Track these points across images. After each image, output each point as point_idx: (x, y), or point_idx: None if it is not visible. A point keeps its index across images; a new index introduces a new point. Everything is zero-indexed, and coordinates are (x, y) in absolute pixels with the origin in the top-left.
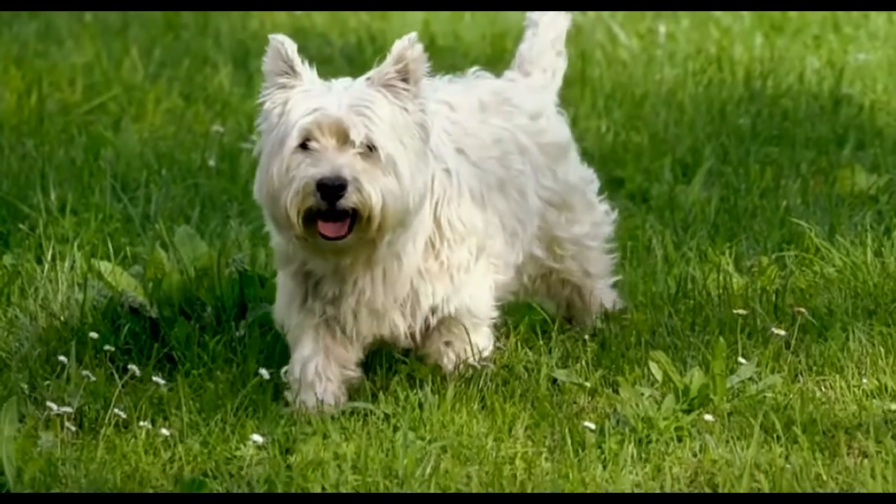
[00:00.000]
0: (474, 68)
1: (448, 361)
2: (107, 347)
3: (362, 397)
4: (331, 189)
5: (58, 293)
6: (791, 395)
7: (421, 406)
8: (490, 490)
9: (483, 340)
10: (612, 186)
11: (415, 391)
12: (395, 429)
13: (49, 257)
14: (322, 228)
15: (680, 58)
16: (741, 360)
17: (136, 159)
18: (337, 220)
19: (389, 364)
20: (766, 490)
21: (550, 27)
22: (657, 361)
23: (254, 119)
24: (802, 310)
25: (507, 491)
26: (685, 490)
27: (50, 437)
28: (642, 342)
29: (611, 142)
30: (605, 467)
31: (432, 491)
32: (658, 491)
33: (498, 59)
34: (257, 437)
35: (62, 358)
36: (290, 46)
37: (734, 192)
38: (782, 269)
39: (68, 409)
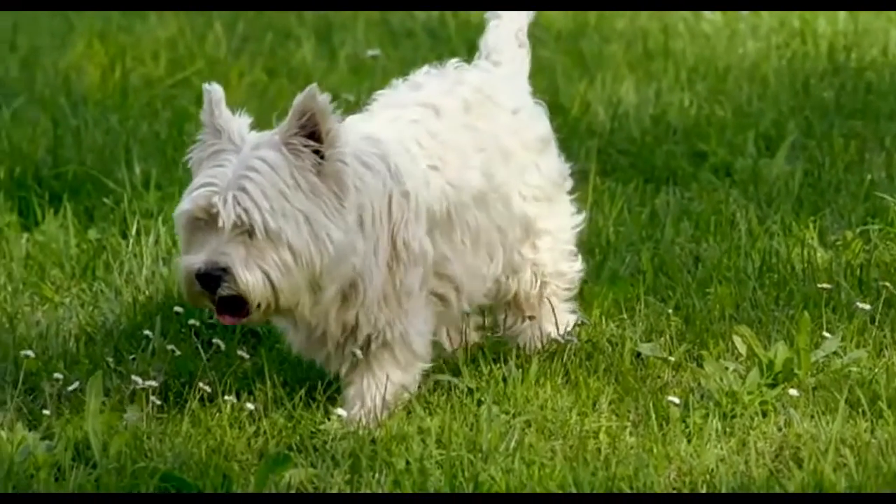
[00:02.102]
0: (454, 60)
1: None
2: (192, 322)
3: (447, 372)
4: (208, 280)
5: (142, 268)
6: (876, 370)
7: (505, 380)
8: (574, 464)
9: (406, 379)
10: (695, 160)
11: (499, 365)
12: (479, 403)
13: (134, 232)
14: (217, 316)
15: (763, 31)
16: (826, 334)
17: None
18: (227, 307)
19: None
20: (852, 465)
21: (513, 19)
22: (742, 336)
23: (338, 94)
24: (888, 284)
25: (591, 465)
26: (770, 465)
27: (135, 412)
28: (726, 316)
29: (694, 115)
30: (689, 441)
31: (516, 465)
32: (743, 466)
33: None
34: (342, 412)
35: (147, 332)
36: (216, 97)
37: (818, 166)
38: (867, 243)
39: (153, 384)
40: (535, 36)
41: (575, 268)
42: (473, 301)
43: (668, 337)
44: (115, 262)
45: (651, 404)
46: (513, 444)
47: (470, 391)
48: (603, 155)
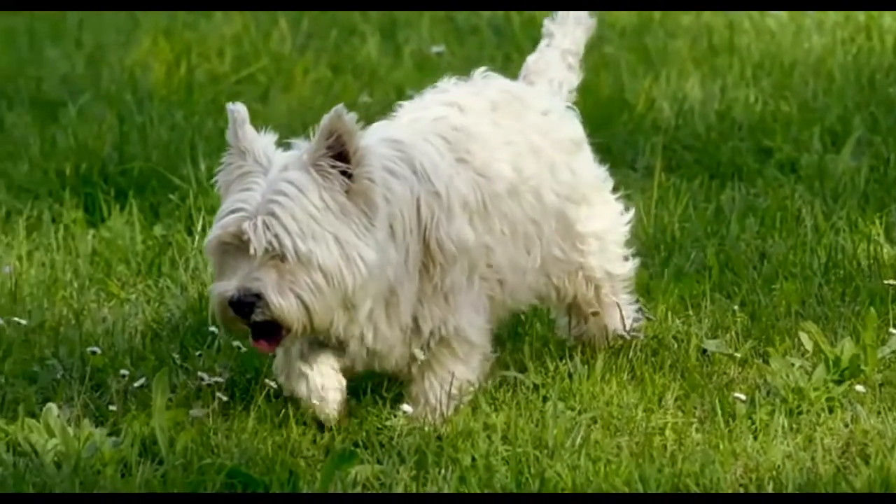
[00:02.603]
0: (482, 69)
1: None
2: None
3: (512, 367)
4: (241, 307)
5: (208, 264)
6: None
7: (570, 376)
8: (640, 461)
9: (468, 373)
10: (760, 156)
11: (564, 362)
12: (545, 399)
13: (199, 228)
14: (253, 342)
15: (828, 26)
16: (892, 330)
17: (284, 130)
18: (262, 332)
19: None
20: None
21: (566, 38)
22: (808, 332)
23: (403, 90)
24: None
25: (657, 462)
26: (836, 461)
27: (201, 408)
28: (792, 312)
29: (759, 111)
30: (755, 438)
31: (582, 462)
32: (809, 462)
33: None
34: (407, 408)
35: (213, 328)
36: (240, 117)
37: (884, 162)
38: None
39: (219, 380)
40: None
41: (626, 268)
42: (517, 297)
43: (733, 333)
44: (181, 258)
45: (717, 401)
46: (578, 440)
47: (536, 387)
48: (668, 151)
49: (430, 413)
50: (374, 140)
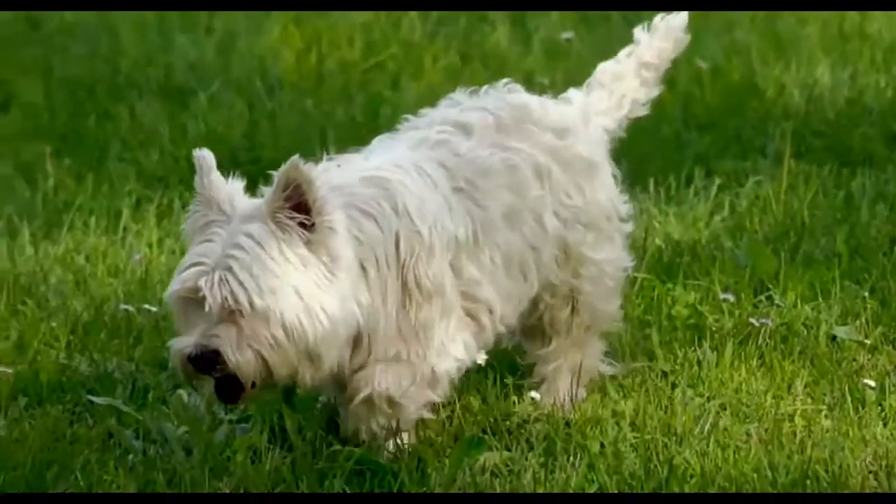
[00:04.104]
0: (505, 80)
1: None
2: None
3: (641, 356)
4: (200, 364)
5: None
6: None
7: (699, 363)
8: (769, 448)
9: (418, 409)
10: (891, 143)
11: (693, 349)
12: (674, 386)
13: None
14: (216, 394)
15: None
16: None
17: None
18: (225, 388)
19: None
20: None
21: (649, 50)
22: None
23: (532, 77)
24: None
25: (786, 448)
26: None
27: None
28: None
29: (890, 97)
30: (885, 425)
31: (711, 449)
32: None
33: None
34: (535, 395)
35: None
36: (207, 165)
37: None
38: None
39: None
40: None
41: (612, 308)
42: (508, 324)
43: (863, 320)
44: None
45: (846, 387)
46: (707, 427)
47: (664, 374)
48: (798, 137)
49: (558, 400)
50: (355, 178)
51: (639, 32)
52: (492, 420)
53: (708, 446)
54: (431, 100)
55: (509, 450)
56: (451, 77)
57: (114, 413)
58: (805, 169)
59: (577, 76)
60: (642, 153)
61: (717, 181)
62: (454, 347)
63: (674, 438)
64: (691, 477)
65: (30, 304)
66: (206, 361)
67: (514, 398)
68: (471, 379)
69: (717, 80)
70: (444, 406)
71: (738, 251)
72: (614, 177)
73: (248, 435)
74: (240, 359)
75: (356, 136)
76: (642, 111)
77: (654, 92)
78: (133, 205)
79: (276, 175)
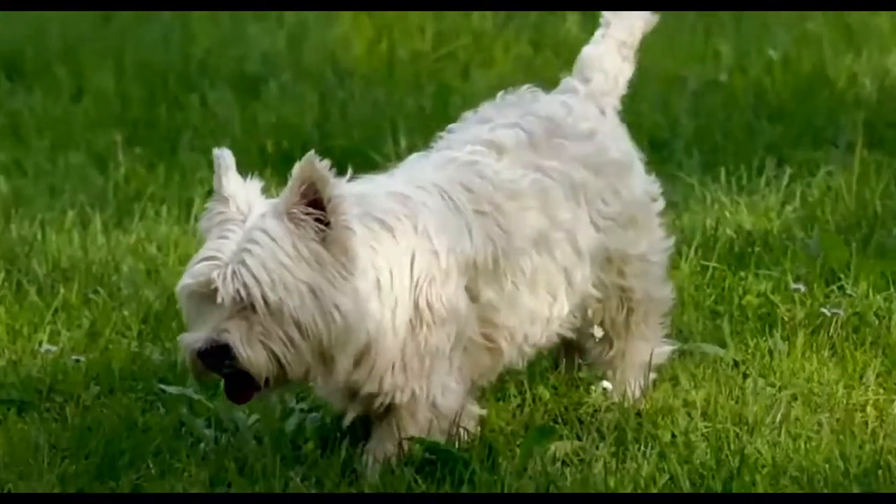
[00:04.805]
0: (527, 86)
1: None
2: None
3: (712, 344)
4: (210, 359)
5: None
6: None
7: (771, 353)
8: (841, 438)
9: (418, 432)
10: None
11: (764, 338)
12: (745, 376)
13: None
14: (226, 392)
15: None
16: None
17: None
18: (236, 385)
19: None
20: None
21: (622, 30)
22: None
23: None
24: None
25: (858, 438)
26: None
27: None
28: None
29: None
30: None
31: (782, 439)
32: None
33: None
34: (606, 384)
35: None
36: (225, 163)
37: None
38: None
39: None
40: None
41: (665, 292)
42: (535, 345)
43: None
44: None
45: None
46: (779, 417)
47: (735, 364)
48: (869, 127)
49: (629, 391)
50: (377, 191)
51: (607, 14)
52: (562, 409)
53: (779, 436)
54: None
55: (580, 439)
56: (522, 67)
57: (185, 402)
58: (877, 159)
59: (646, 64)
60: (713, 143)
61: (789, 171)
62: (458, 378)
63: (745, 428)
64: (763, 467)
65: (102, 294)
66: (216, 357)
67: (585, 388)
68: (541, 369)
69: (789, 70)
70: (514, 395)
71: (809, 241)
72: (640, 160)
73: (319, 423)
74: (250, 354)
75: (426, 125)
76: (627, 89)
77: (633, 68)
78: (204, 194)
79: (293, 171)
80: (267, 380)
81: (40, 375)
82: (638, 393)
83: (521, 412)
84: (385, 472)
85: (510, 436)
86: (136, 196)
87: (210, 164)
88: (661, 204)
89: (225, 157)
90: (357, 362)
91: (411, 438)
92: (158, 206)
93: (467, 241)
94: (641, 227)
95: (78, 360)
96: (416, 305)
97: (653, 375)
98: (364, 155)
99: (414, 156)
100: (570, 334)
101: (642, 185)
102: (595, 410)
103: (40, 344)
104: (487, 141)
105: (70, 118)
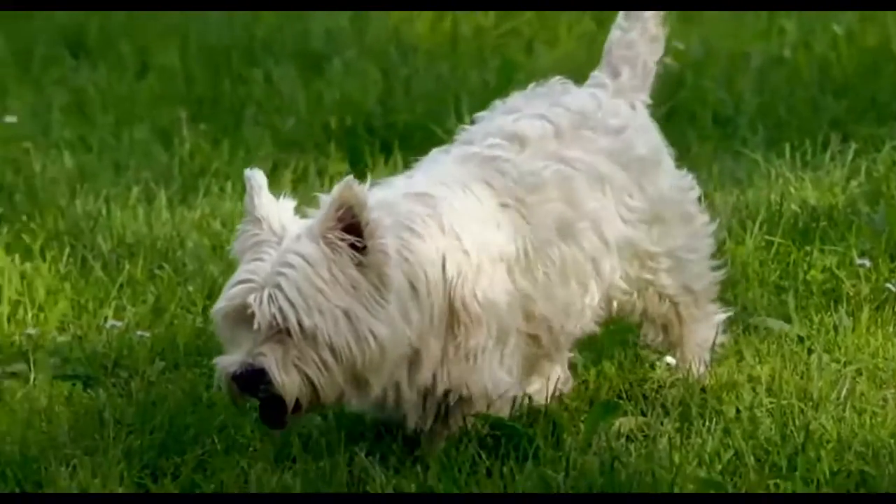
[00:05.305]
0: (557, 77)
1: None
2: None
3: (777, 319)
4: (245, 383)
5: None
6: None
7: (836, 328)
8: None
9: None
10: None
11: (829, 313)
12: (810, 351)
13: None
14: (261, 416)
15: None
16: None
17: None
18: (270, 409)
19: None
20: None
21: (650, 22)
22: None
23: (668, 43)
24: None
25: None
26: None
27: None
28: None
29: None
30: None
31: (847, 414)
32: None
33: None
34: (671, 359)
35: None
36: (257, 184)
37: None
38: None
39: None
40: None
41: (707, 281)
42: (572, 336)
43: None
44: None
45: None
46: (844, 392)
47: (800, 339)
48: None
49: (694, 367)
50: (399, 194)
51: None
52: (627, 385)
53: (844, 412)
54: (566, 65)
55: (644, 415)
56: (586, 44)
57: None
58: None
59: (712, 40)
60: (778, 119)
61: (854, 146)
62: (509, 370)
63: (810, 404)
64: (828, 442)
65: (167, 269)
66: (252, 381)
67: (650, 364)
68: (605, 345)
69: (853, 46)
70: (580, 371)
71: (874, 216)
72: (669, 155)
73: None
74: (285, 379)
75: (490, 101)
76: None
77: (664, 42)
78: (269, 170)
79: (331, 195)
80: (299, 404)
81: (105, 351)
82: (703, 369)
83: (585, 388)
84: (449, 447)
85: (574, 412)
86: (200, 172)
87: (273, 141)
88: (695, 193)
89: (256, 177)
90: (412, 363)
91: (476, 414)
92: (223, 182)
93: (495, 234)
94: (670, 223)
95: (143, 336)
96: (452, 307)
97: (717, 349)
98: (427, 130)
99: (434, 151)
100: (596, 328)
101: (670, 181)
102: (659, 386)
103: (105, 319)
104: (510, 133)
105: (135, 94)
